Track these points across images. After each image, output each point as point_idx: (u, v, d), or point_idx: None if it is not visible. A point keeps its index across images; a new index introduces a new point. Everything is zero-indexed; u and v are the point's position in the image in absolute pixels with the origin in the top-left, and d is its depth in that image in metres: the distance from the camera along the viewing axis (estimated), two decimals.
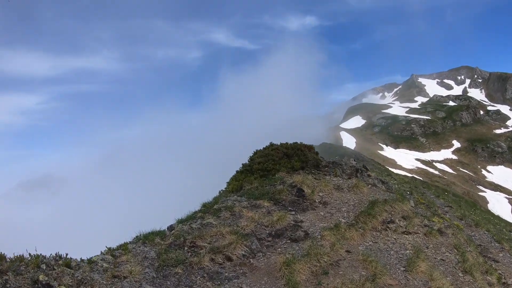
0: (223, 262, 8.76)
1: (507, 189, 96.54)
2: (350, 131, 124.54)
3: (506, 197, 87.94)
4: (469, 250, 12.13)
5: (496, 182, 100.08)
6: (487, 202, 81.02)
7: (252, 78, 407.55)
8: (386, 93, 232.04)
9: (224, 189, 15.46)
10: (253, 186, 13.94)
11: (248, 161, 16.67)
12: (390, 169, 78.44)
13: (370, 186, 15.12)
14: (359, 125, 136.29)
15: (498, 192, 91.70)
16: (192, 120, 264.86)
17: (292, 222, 11.15)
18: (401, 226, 11.65)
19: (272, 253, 9.47)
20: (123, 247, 8.76)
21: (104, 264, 7.78)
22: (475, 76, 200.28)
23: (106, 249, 8.69)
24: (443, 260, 10.66)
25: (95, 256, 8.17)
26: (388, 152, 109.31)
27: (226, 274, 8.39)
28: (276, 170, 15.08)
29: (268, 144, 17.62)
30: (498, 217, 45.12)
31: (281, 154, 15.97)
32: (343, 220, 11.59)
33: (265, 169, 15.25)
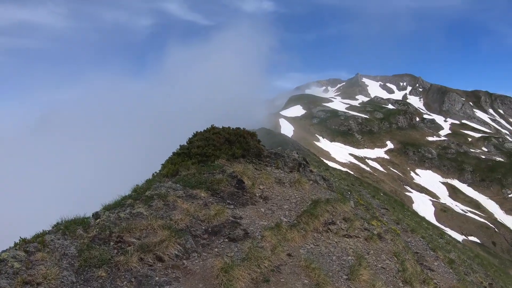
0: (154, 263, 7.57)
1: (432, 192, 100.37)
2: (290, 119, 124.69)
3: (430, 200, 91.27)
4: (408, 258, 11.85)
5: (422, 185, 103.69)
6: (413, 202, 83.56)
7: (201, 54, 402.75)
8: (329, 88, 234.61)
9: (158, 171, 14.09)
10: (190, 172, 12.61)
11: (187, 143, 15.36)
12: (324, 160, 79.09)
13: (312, 182, 14.45)
14: (299, 114, 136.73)
15: (423, 194, 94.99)
16: (135, 89, 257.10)
17: (230, 218, 10.06)
18: (342, 229, 11.02)
19: (208, 254, 8.39)
20: (40, 239, 7.35)
21: (15, 264, 6.43)
22: (417, 84, 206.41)
23: (20, 240, 7.38)
24: (383, 268, 10.19)
25: (5, 251, 6.84)
26: (324, 144, 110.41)
27: (157, 278, 7.20)
28: (216, 156, 13.91)
29: (210, 126, 16.30)
30: (424, 219, 46.13)
31: (223, 139, 14.85)
32: (284, 219, 10.64)
33: (204, 154, 14.00)
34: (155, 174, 13.90)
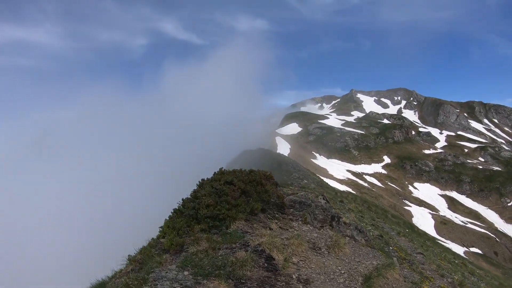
0: None
1: (431, 205, 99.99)
2: (286, 137, 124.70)
3: (430, 213, 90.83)
4: None
5: (421, 198, 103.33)
6: (412, 216, 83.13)
7: (196, 73, 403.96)
8: (324, 104, 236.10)
9: (156, 238, 11.17)
10: (201, 248, 9.44)
11: (191, 196, 12.40)
12: (322, 178, 78.89)
13: (348, 239, 12.63)
14: (295, 132, 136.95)
15: (422, 208, 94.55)
16: (131, 109, 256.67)
17: None
18: None
19: None
20: None
21: None
22: (411, 98, 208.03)
23: None
24: None
25: None
26: (321, 161, 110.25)
27: None
28: (231, 218, 11.11)
29: (218, 171, 14.56)
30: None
31: (238, 192, 12.27)
32: None
33: (216, 217, 11.01)
34: (152, 241, 10.92)
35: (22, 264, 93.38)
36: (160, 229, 11.33)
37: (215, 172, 14.44)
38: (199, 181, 13.69)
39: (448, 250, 43.00)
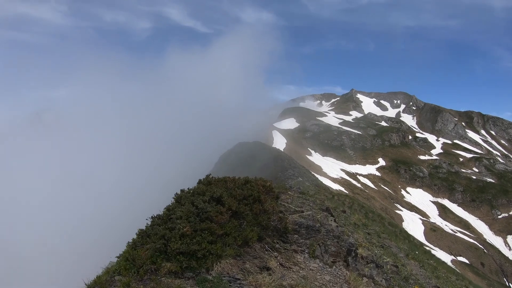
0: None
1: (422, 211, 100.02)
2: (283, 132, 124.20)
3: (420, 218, 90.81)
4: None
5: (413, 203, 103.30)
6: (403, 221, 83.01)
7: (199, 60, 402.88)
8: (323, 102, 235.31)
9: (111, 269, 7.95)
10: None
11: (164, 215, 9.37)
12: (316, 175, 78.55)
13: (366, 280, 10.86)
14: (292, 127, 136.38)
15: (413, 213, 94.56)
16: (131, 91, 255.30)
17: None
18: None
19: None
20: None
21: None
22: (411, 103, 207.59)
23: None
24: None
25: None
26: (316, 158, 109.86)
27: None
28: (215, 255, 8.02)
29: (204, 179, 11.72)
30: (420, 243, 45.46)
31: (227, 214, 9.26)
32: None
33: (193, 254, 7.78)
34: (109, 269, 8.08)
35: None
36: (117, 260, 8.04)
37: (200, 180, 11.61)
38: (175, 194, 10.42)
39: (451, 269, 42.79)
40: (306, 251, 10.48)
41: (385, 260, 16.32)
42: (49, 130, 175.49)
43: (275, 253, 9.75)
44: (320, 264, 10.06)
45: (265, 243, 9.98)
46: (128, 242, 8.47)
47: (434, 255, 39.07)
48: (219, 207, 9.27)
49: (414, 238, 59.68)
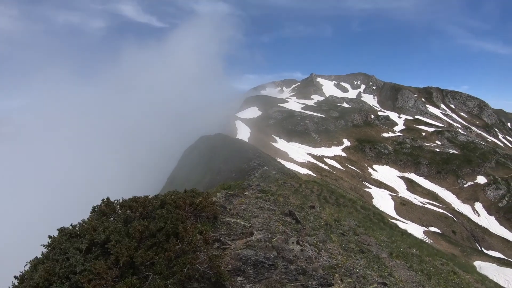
0: None
1: (390, 186, 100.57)
2: (246, 121, 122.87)
3: (389, 194, 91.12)
4: None
5: (380, 180, 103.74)
6: (372, 198, 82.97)
7: (155, 56, 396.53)
8: (284, 88, 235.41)
9: None
10: None
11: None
12: (282, 161, 77.56)
13: None
14: (255, 116, 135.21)
15: (382, 189, 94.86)
16: (88, 93, 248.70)
17: None
18: None
19: None
20: None
21: None
22: (371, 83, 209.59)
23: None
24: None
25: None
26: (281, 144, 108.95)
27: None
28: None
29: (102, 204, 8.77)
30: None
31: (112, 273, 6.37)
32: None
33: None
34: None
35: None
36: None
37: (94, 208, 8.61)
38: (49, 238, 7.58)
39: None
40: None
41: (370, 278, 14.30)
42: (6, 141, 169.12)
43: None
44: None
45: None
46: None
47: (411, 234, 38.28)
48: (99, 263, 6.25)
49: (387, 216, 59.50)
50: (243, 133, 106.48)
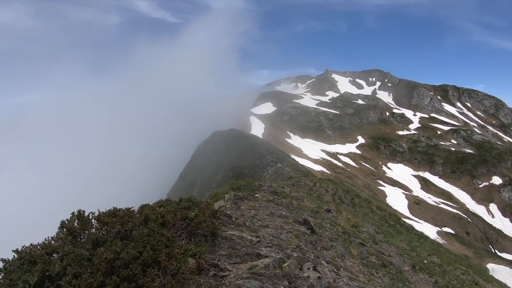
0: None
1: (404, 185, 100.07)
2: (260, 117, 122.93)
3: (403, 193, 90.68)
4: None
5: (395, 178, 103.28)
6: (386, 196, 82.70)
7: (170, 51, 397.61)
8: (299, 84, 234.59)
9: None
10: None
11: None
12: (296, 158, 77.54)
13: None
14: (270, 111, 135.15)
15: (396, 188, 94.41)
16: (104, 88, 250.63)
17: None
18: None
19: None
20: None
21: None
22: (386, 80, 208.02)
23: None
24: None
25: None
26: (295, 140, 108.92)
27: None
28: None
29: (69, 220, 6.84)
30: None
31: None
32: None
33: None
34: None
35: None
36: None
37: (62, 224, 6.61)
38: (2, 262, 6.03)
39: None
40: None
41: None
42: (25, 135, 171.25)
43: None
44: None
45: None
46: None
47: (427, 237, 38.08)
48: None
49: (401, 216, 59.22)
50: (257, 129, 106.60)
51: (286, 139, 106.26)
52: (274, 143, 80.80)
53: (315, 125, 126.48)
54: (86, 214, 6.90)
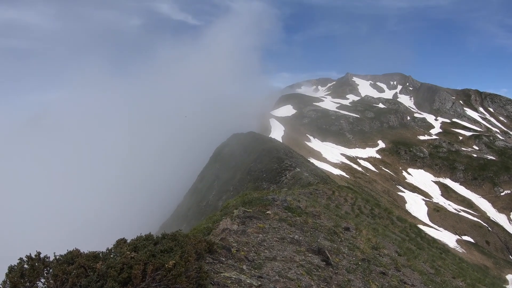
0: None
1: (424, 191, 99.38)
2: (280, 119, 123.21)
3: (423, 199, 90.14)
4: None
5: (414, 184, 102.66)
6: (405, 202, 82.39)
7: (191, 53, 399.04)
8: (319, 87, 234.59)
9: None
10: None
11: None
12: (315, 161, 77.69)
13: None
14: (290, 114, 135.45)
15: (416, 194, 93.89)
16: (126, 89, 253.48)
17: None
18: None
19: None
20: None
21: None
22: (407, 83, 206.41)
23: None
24: None
25: None
26: (315, 144, 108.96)
27: None
28: None
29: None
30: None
31: None
32: None
33: None
34: None
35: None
36: None
37: (11, 269, 5.00)
38: None
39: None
40: None
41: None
42: (47, 134, 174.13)
43: None
44: None
45: None
46: None
47: (449, 251, 37.96)
48: None
49: (420, 223, 58.85)
50: (277, 131, 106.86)
51: (306, 142, 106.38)
52: (293, 146, 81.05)
53: (335, 129, 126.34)
54: (41, 255, 5.36)
